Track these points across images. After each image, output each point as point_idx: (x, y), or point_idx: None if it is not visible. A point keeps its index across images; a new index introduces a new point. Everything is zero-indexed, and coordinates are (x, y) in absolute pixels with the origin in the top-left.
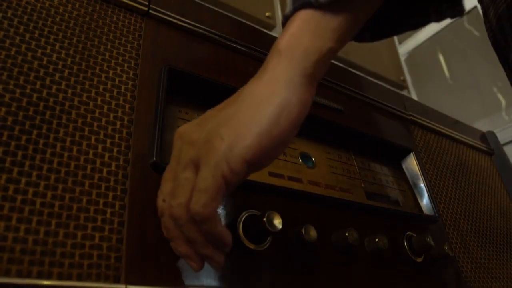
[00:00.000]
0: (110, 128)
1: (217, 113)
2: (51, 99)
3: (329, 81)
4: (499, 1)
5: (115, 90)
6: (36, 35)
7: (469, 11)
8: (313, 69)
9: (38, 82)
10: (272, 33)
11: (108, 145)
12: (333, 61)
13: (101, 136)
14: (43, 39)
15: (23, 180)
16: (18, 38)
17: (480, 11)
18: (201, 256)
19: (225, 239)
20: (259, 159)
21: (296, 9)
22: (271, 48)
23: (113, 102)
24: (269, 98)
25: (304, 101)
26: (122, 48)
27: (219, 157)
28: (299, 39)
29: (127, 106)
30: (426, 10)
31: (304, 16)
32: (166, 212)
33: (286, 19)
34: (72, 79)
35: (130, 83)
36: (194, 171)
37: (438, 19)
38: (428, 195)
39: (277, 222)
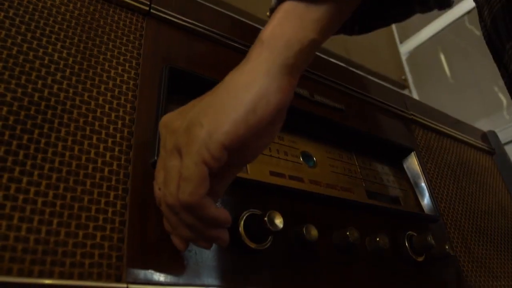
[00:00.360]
0: (111, 127)
1: (198, 102)
2: (53, 99)
3: (330, 80)
4: (494, 1)
5: (116, 90)
6: (37, 35)
7: (470, 11)
8: (294, 60)
9: (40, 82)
10: None
11: (109, 144)
12: (334, 60)
13: (103, 136)
14: (44, 39)
15: (25, 179)
16: (19, 37)
17: None
18: (205, 238)
19: (220, 219)
20: (237, 146)
21: (280, 1)
22: (256, 38)
23: (115, 102)
24: (248, 86)
25: (284, 91)
26: (123, 48)
27: (199, 144)
28: (282, 30)
29: (128, 105)
30: (410, 0)
31: (287, 8)
32: (163, 201)
33: (271, 12)
34: (74, 78)
35: (132, 82)
36: (179, 158)
37: (423, 10)
38: (429, 194)
39: (278, 222)
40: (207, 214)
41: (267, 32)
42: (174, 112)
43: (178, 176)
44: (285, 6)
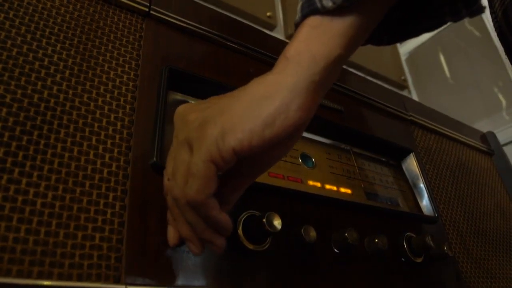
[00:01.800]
0: (110, 128)
1: (217, 100)
2: (52, 100)
3: None
4: None
5: (116, 91)
6: (37, 36)
7: None
8: (320, 76)
9: (39, 83)
10: (273, 34)
11: (108, 145)
12: None
13: (102, 137)
14: (44, 40)
15: (24, 180)
16: (19, 39)
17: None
18: (201, 240)
19: (222, 224)
20: (248, 154)
21: (304, 16)
22: (280, 55)
23: (114, 103)
24: (269, 98)
25: (305, 109)
26: (123, 49)
27: (210, 143)
28: (307, 46)
29: (128, 106)
30: (441, 11)
31: (312, 23)
32: (170, 191)
33: (296, 26)
34: (73, 79)
35: (131, 83)
36: (189, 152)
37: (455, 19)
38: (428, 195)
39: (277, 223)
40: (210, 215)
41: (293, 49)
42: (191, 104)
43: (186, 170)
44: (309, 21)
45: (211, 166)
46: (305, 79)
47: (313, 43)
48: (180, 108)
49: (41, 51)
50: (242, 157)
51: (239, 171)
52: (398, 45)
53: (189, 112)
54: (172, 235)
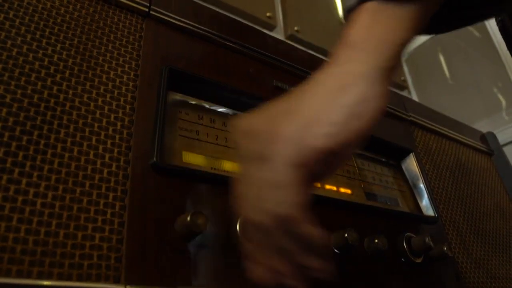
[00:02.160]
0: (110, 128)
1: (280, 103)
2: (52, 100)
3: None
4: None
5: (116, 91)
6: (37, 36)
7: None
8: (389, 62)
9: (39, 83)
10: (273, 34)
11: (108, 145)
12: None
13: (102, 137)
14: (44, 40)
15: (24, 180)
16: (19, 39)
17: None
18: (301, 270)
19: (318, 241)
20: (338, 149)
21: (362, 1)
22: (339, 42)
23: (114, 103)
24: (345, 88)
25: (383, 96)
26: (123, 49)
27: (288, 145)
28: (373, 31)
29: (128, 107)
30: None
31: (373, 8)
32: (248, 221)
33: (348, 12)
34: (73, 80)
35: (131, 84)
36: (263, 165)
37: None
38: (428, 195)
39: None
40: (306, 232)
41: (356, 34)
42: (250, 115)
43: (266, 185)
44: (369, 6)
45: (294, 171)
46: (376, 66)
47: (377, 29)
48: (239, 122)
49: (41, 51)
50: (329, 154)
51: (318, 171)
52: None
53: (252, 122)
54: (261, 274)
